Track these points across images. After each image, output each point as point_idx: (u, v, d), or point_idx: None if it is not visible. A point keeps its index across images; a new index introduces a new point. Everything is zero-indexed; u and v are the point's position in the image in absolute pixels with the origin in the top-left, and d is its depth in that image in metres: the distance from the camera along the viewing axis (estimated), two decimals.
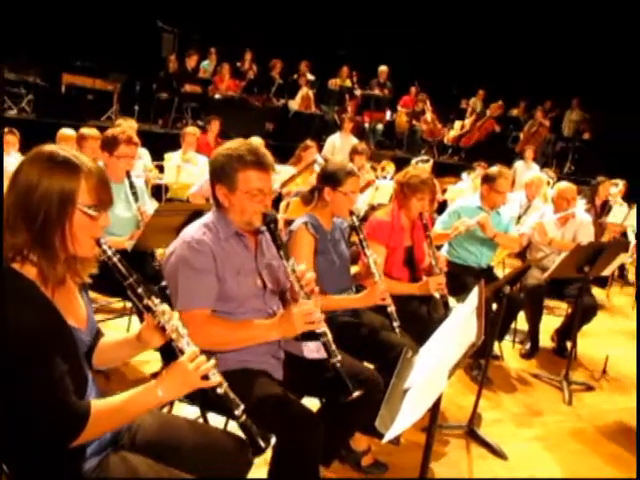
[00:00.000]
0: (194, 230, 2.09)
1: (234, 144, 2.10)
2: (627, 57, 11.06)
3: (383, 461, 2.80)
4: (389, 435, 1.47)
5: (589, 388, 4.08)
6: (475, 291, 1.76)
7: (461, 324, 1.67)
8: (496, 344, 4.29)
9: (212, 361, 1.52)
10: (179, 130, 7.59)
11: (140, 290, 1.49)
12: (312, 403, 2.38)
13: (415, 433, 2.84)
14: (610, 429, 3.54)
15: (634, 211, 6.90)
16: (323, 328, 2.03)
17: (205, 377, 1.49)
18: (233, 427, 2.21)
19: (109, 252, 1.47)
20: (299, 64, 10.89)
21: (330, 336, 2.06)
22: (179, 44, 10.67)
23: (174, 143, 6.78)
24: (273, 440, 1.71)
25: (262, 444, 1.61)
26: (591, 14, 11.39)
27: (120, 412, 1.46)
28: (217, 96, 9.75)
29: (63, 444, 1.39)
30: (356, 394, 2.04)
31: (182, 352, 1.49)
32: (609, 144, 11.22)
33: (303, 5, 11.71)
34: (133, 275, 1.49)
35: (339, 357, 2.06)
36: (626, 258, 6.93)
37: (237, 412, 1.57)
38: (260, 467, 2.15)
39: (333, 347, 2.06)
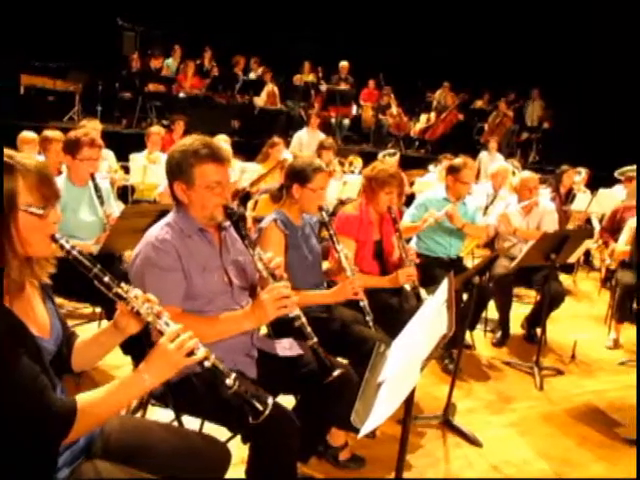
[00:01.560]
0: (157, 230, 2.08)
1: (188, 140, 2.10)
2: (583, 47, 11.31)
3: (360, 455, 2.82)
4: (365, 430, 1.47)
5: (559, 372, 4.16)
6: (445, 283, 1.78)
7: (432, 316, 1.68)
8: (468, 334, 4.35)
9: (194, 337, 1.48)
10: (144, 130, 7.49)
11: (107, 279, 1.45)
12: (288, 400, 2.38)
13: (391, 425, 2.85)
14: (579, 411, 3.62)
15: (597, 198, 7.06)
16: (296, 311, 2.04)
17: (190, 353, 1.46)
18: (208, 429, 2.21)
19: (67, 246, 1.42)
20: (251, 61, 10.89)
21: (304, 319, 2.07)
22: (141, 42, 10.52)
23: (139, 143, 6.69)
24: (270, 401, 1.69)
25: (260, 407, 1.60)
26: (550, 5, 11.59)
27: (108, 403, 1.43)
28: (181, 94, 9.65)
29: (53, 444, 1.35)
30: (336, 373, 2.06)
31: (162, 333, 1.46)
32: (571, 133, 11.45)
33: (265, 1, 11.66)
34: (97, 265, 1.45)
35: (315, 339, 2.08)
36: (591, 244, 7.11)
37: (229, 381, 1.54)
38: (237, 467, 2.14)
39: (309, 329, 2.08)
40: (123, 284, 1.48)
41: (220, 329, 2.04)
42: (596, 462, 3.07)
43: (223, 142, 5.92)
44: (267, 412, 1.63)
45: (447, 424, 3.21)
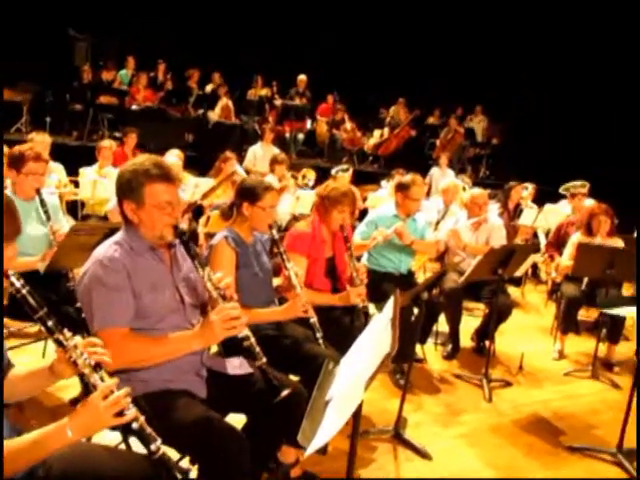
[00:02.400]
0: (105, 248, 2.07)
1: (138, 159, 2.11)
2: (528, 65, 11.73)
3: (312, 471, 2.82)
4: (311, 448, 1.49)
5: (507, 384, 4.26)
6: (390, 301, 1.82)
7: (377, 334, 1.71)
8: (419, 347, 4.43)
9: (128, 397, 1.48)
10: (95, 143, 7.36)
11: (50, 324, 1.44)
12: (239, 419, 2.37)
13: (342, 441, 2.85)
14: (526, 421, 3.72)
15: (543, 213, 7.29)
16: (245, 332, 2.05)
17: (120, 412, 1.46)
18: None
19: (17, 284, 1.41)
20: (214, 75, 10.87)
21: (253, 339, 2.08)
22: (93, 53, 10.36)
23: (89, 156, 6.58)
24: (192, 474, 1.70)
25: (179, 476, 1.60)
26: (495, 22, 11.99)
27: (28, 454, 1.40)
28: (134, 107, 9.53)
29: None
30: (284, 393, 2.07)
31: (95, 387, 1.45)
32: (518, 149, 11.82)
33: (220, 14, 11.65)
34: (43, 308, 1.44)
35: (264, 359, 2.09)
36: (538, 258, 7.33)
37: (153, 447, 1.54)
38: None
39: (257, 349, 2.09)
40: (66, 330, 1.47)
41: (168, 349, 2.03)
42: (541, 470, 3.16)
43: (174, 157, 5.90)
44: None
45: (398, 438, 3.25)
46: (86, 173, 6.14)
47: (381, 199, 7.09)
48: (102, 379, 1.47)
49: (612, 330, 4.81)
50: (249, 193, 2.73)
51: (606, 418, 3.83)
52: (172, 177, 2.09)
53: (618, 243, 4.95)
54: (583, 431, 3.66)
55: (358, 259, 3.71)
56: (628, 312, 3.27)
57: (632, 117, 11.21)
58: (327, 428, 1.52)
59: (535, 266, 7.84)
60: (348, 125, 11.15)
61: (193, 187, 5.68)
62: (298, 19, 12.04)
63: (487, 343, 4.45)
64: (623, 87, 10.97)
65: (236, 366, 2.30)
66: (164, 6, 11.20)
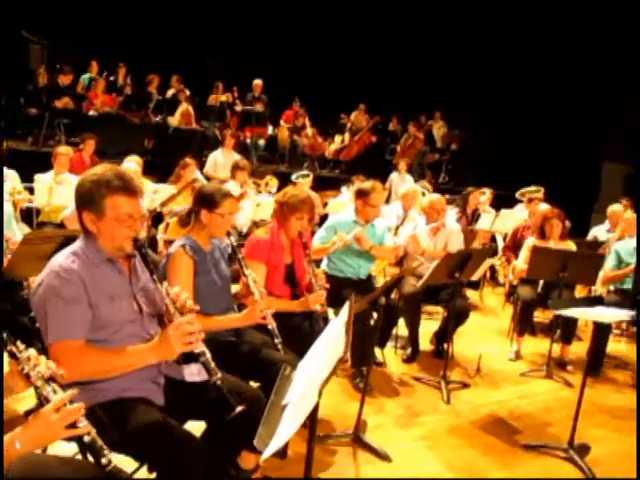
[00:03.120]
0: (62, 258, 2.04)
1: (99, 169, 2.08)
2: (484, 71, 12.01)
3: (272, 476, 2.83)
4: (267, 452, 1.51)
5: (465, 385, 4.35)
6: (346, 305, 1.85)
7: (332, 339, 1.74)
8: (379, 351, 4.48)
9: (81, 410, 1.47)
10: (51, 148, 7.22)
11: (4, 336, 1.43)
12: (198, 426, 2.37)
13: (303, 445, 2.83)
14: (484, 422, 3.81)
15: (500, 217, 7.47)
16: (202, 348, 2.04)
17: (72, 425, 1.45)
18: (114, 459, 2.16)
19: None
20: (172, 79, 10.81)
21: (209, 355, 2.07)
22: (49, 56, 10.15)
23: (45, 162, 6.44)
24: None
25: None
26: (454, 30, 12.23)
27: None
28: (92, 112, 9.38)
29: None
30: (238, 409, 2.07)
31: (48, 400, 1.44)
32: (477, 154, 12.07)
33: (182, 19, 11.59)
34: None
35: (219, 375, 2.08)
36: (495, 261, 7.51)
37: (104, 460, 1.54)
38: None
39: (212, 365, 2.08)
40: (19, 342, 1.46)
41: (125, 362, 2.01)
42: (498, 469, 3.24)
43: (133, 163, 5.83)
44: None
45: (358, 441, 3.28)
46: (41, 179, 6.02)
47: (341, 204, 7.16)
48: (55, 392, 1.46)
49: (565, 331, 4.95)
50: (207, 200, 2.73)
51: (559, 416, 3.95)
52: (134, 189, 2.07)
53: (570, 246, 5.11)
54: (538, 429, 3.77)
55: (318, 264, 3.75)
56: (579, 313, 3.37)
57: (585, 126, 11.62)
58: (283, 432, 1.54)
59: (493, 269, 8.04)
60: (309, 131, 11.21)
61: (152, 193, 5.63)
62: (259, 25, 12.06)
63: (445, 346, 4.54)
64: (576, 97, 11.35)
65: (194, 373, 2.29)
66: (124, 9, 11.08)
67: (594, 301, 3.54)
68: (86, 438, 1.50)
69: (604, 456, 3.44)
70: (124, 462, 2.01)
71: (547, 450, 3.44)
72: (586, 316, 3.39)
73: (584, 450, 3.40)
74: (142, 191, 2.16)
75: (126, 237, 2.05)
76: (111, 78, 10.43)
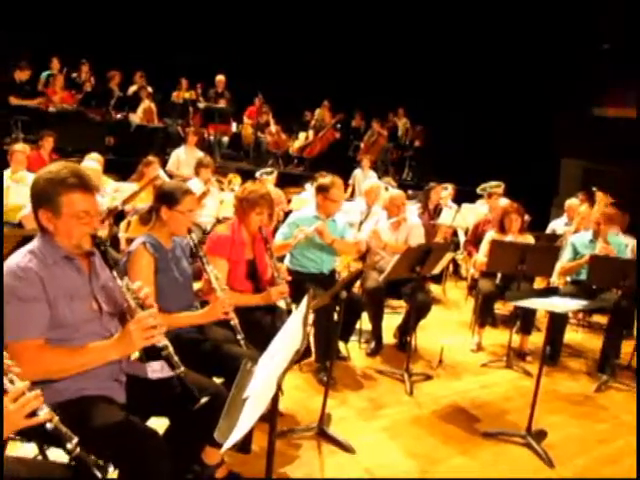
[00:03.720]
0: (19, 258, 2.02)
1: (55, 167, 2.07)
2: (445, 69, 12.18)
3: (237, 472, 2.85)
4: (227, 444, 1.53)
5: (428, 377, 4.43)
6: (305, 299, 1.89)
7: (291, 332, 1.78)
8: (343, 345, 4.53)
9: (40, 398, 1.47)
10: (7, 146, 7.05)
11: None
12: (162, 423, 2.38)
13: (267, 440, 2.92)
14: (445, 412, 3.90)
15: (461, 212, 7.60)
16: (164, 341, 2.06)
17: (33, 413, 1.45)
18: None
19: None
20: (135, 75, 10.67)
21: (171, 348, 2.09)
22: (6, 52, 9.88)
23: (1, 161, 6.30)
24: (111, 469, 1.70)
25: (99, 474, 1.60)
26: (414, 29, 12.37)
27: None
28: (51, 109, 9.18)
29: None
30: (203, 400, 2.10)
31: (5, 391, 1.44)
32: (440, 150, 12.24)
33: (142, 15, 11.43)
34: None
35: (182, 368, 2.11)
36: (458, 255, 7.65)
37: (70, 446, 1.54)
38: None
39: (176, 358, 2.11)
40: None
41: (85, 360, 2.00)
42: (458, 456, 3.33)
43: (94, 161, 5.76)
44: None
45: (322, 434, 3.33)
46: None
47: (305, 201, 7.18)
48: (12, 382, 1.46)
49: (525, 322, 5.10)
50: (168, 197, 2.74)
51: (518, 404, 4.06)
52: (90, 186, 2.07)
53: (529, 239, 5.25)
54: (497, 417, 3.88)
55: (281, 260, 3.78)
56: (534, 303, 3.47)
57: (545, 122, 11.89)
58: (243, 425, 1.57)
59: (456, 263, 8.19)
60: (273, 128, 11.20)
61: (113, 192, 5.56)
62: (222, 20, 11.98)
63: (408, 339, 4.61)
64: (536, 94, 11.60)
65: (157, 370, 2.30)
66: (86, 5, 10.87)
67: (549, 292, 3.66)
68: (49, 425, 1.50)
69: (559, 441, 3.57)
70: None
71: (505, 437, 3.54)
72: (540, 306, 3.49)
73: (541, 436, 3.51)
74: (99, 188, 2.15)
75: (84, 234, 2.05)
76: (73, 75, 10.22)
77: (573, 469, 3.31)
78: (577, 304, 3.47)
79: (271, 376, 1.60)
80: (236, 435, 1.54)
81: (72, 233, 2.05)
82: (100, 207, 5.19)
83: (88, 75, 10.34)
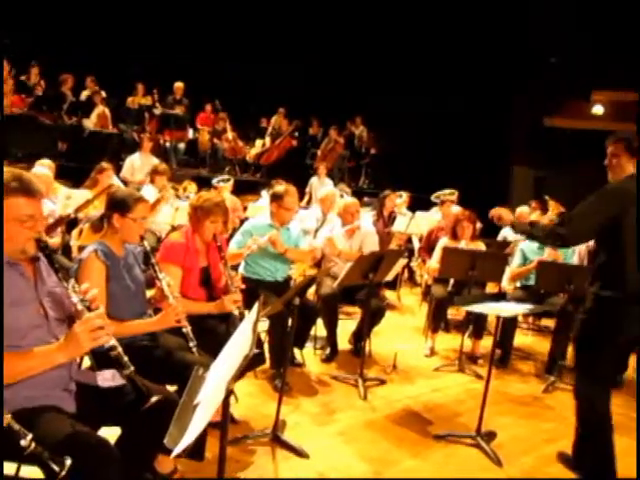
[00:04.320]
0: None
1: None
2: (401, 76, 12.38)
3: (190, 478, 2.85)
4: (177, 450, 1.55)
5: (381, 382, 4.49)
6: (255, 306, 1.92)
7: (242, 338, 1.81)
8: (298, 352, 4.57)
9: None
10: None
11: None
12: (113, 432, 2.36)
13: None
14: (398, 416, 3.97)
15: (415, 220, 7.75)
16: (112, 342, 2.06)
17: None
18: (25, 471, 2.12)
19: None
20: (87, 80, 10.51)
21: (120, 349, 2.10)
22: None
23: None
24: (68, 462, 1.70)
25: (56, 468, 1.60)
26: (371, 37, 12.54)
27: None
28: None
29: None
30: (153, 399, 2.11)
31: None
32: (395, 158, 12.43)
33: (100, 19, 11.26)
34: None
35: (132, 368, 2.12)
36: (413, 262, 7.78)
37: (24, 442, 1.53)
38: None
39: (125, 359, 2.11)
40: None
41: (32, 364, 1.97)
42: (410, 459, 3.39)
43: (44, 167, 5.65)
44: (64, 473, 1.66)
45: (276, 439, 3.35)
46: None
47: (261, 208, 7.18)
48: None
49: (476, 327, 5.23)
50: (120, 204, 2.73)
51: (469, 406, 4.16)
52: (33, 190, 2.05)
53: (480, 246, 5.40)
54: (449, 420, 3.97)
55: (235, 268, 3.80)
56: (482, 308, 3.57)
57: (497, 131, 12.23)
58: (192, 431, 1.59)
59: (411, 270, 8.33)
60: (230, 135, 11.19)
61: (65, 199, 5.47)
62: (178, 26, 11.91)
63: (363, 344, 4.68)
64: (490, 104, 11.92)
65: (107, 378, 2.29)
66: (38, 6, 10.65)
67: (498, 297, 3.78)
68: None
69: (508, 441, 3.68)
70: (35, 473, 1.98)
71: (456, 438, 3.63)
72: (488, 310, 3.59)
73: (490, 436, 3.62)
74: (43, 193, 2.13)
75: (28, 238, 2.03)
76: (22, 77, 10.00)
77: (520, 467, 3.41)
78: (524, 308, 3.59)
79: (221, 381, 1.62)
80: (186, 440, 1.55)
81: (15, 238, 2.02)
82: (53, 214, 5.13)
83: (38, 78, 10.12)
